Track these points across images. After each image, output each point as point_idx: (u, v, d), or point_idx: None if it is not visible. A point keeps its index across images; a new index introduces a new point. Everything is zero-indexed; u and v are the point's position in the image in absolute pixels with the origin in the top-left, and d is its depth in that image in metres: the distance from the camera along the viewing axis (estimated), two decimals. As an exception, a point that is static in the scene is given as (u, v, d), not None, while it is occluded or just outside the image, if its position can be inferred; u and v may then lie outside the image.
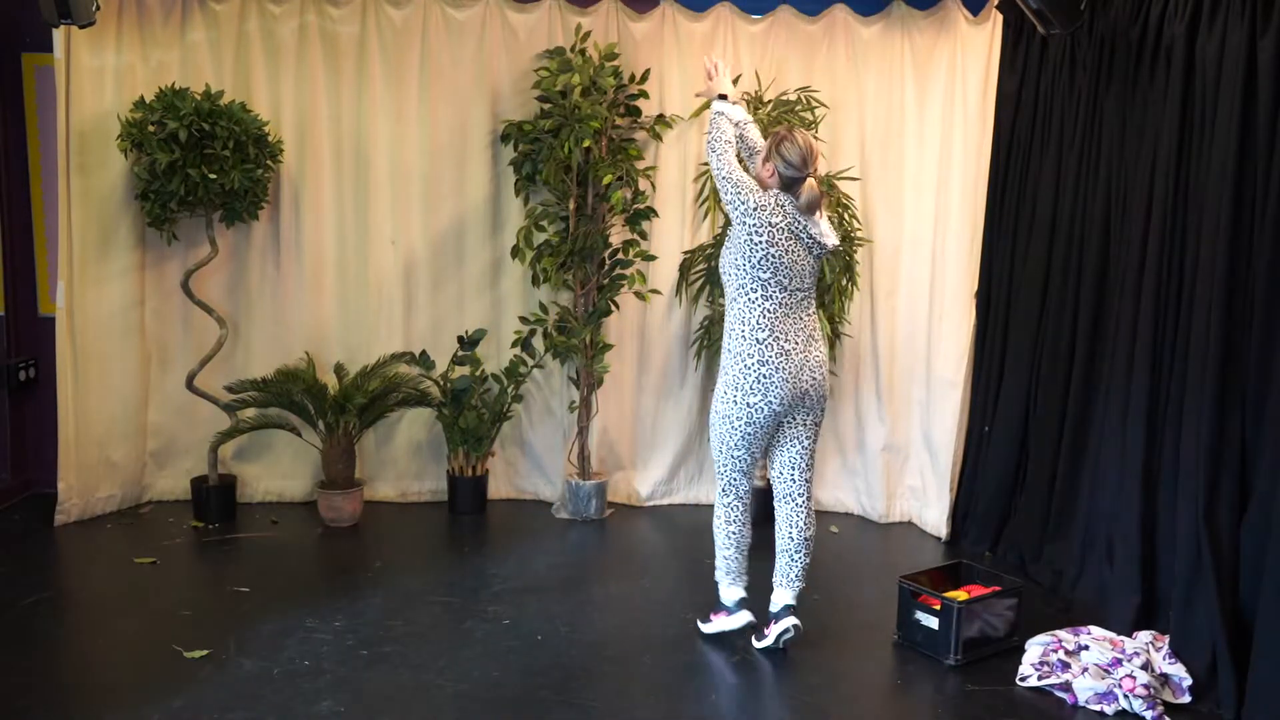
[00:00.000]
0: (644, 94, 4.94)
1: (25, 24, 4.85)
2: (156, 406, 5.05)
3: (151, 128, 4.46)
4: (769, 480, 3.75)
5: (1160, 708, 3.25)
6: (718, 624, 3.75)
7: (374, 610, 3.89)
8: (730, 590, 3.72)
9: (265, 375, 4.83)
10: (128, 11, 4.74)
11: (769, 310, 3.47)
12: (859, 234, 4.92)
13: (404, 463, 5.24)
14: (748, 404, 3.49)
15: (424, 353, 5.05)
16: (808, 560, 3.67)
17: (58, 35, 4.50)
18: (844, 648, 3.72)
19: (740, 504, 3.69)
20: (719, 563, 3.74)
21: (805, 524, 3.65)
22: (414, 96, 4.98)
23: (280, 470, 5.15)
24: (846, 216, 4.86)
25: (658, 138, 5.02)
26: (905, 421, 5.11)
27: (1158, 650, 3.47)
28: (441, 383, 5.01)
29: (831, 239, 3.52)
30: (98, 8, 4.17)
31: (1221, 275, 3.43)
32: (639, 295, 5.05)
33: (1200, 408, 3.48)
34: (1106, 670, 3.38)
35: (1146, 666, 3.37)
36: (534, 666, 3.49)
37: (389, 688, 3.31)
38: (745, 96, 4.93)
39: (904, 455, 5.13)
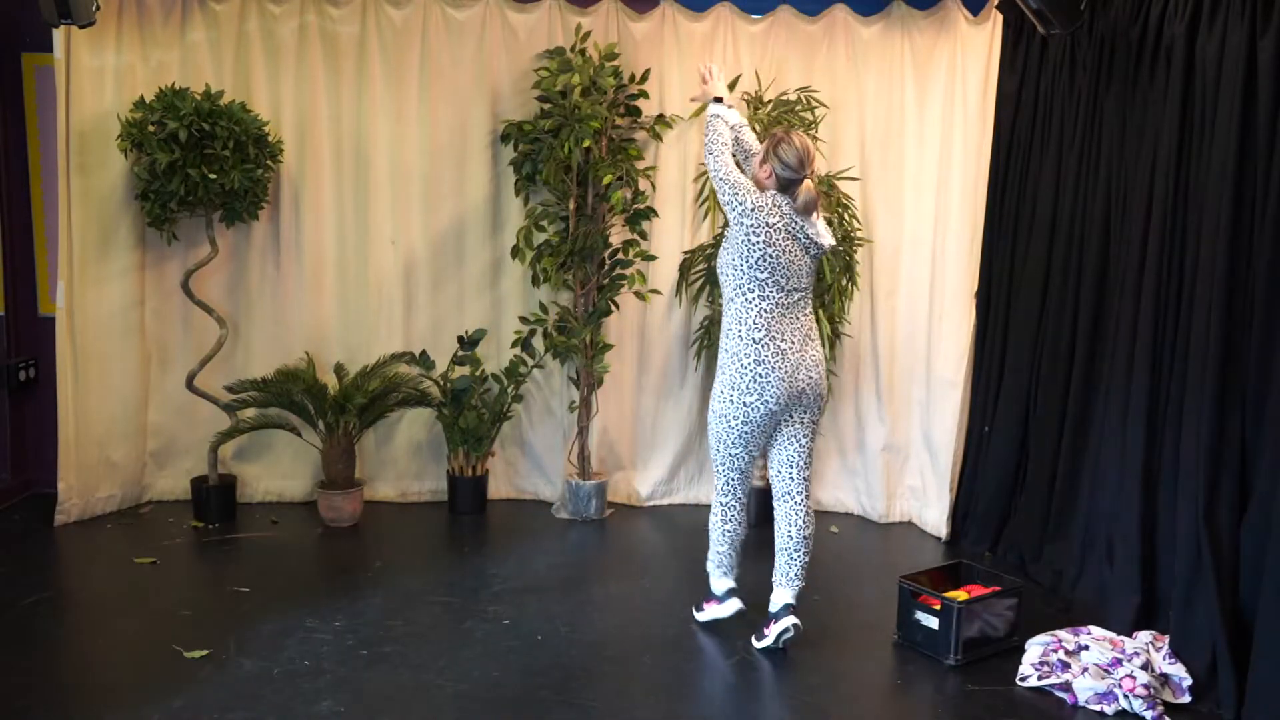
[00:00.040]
0: (644, 94, 4.94)
1: (25, 24, 4.86)
2: (156, 406, 5.05)
3: (151, 128, 4.46)
4: (769, 480, 3.76)
5: (1160, 708, 3.25)
6: (710, 612, 3.84)
7: (374, 610, 3.90)
8: (720, 581, 3.82)
9: (265, 375, 4.83)
10: (128, 11, 4.74)
11: (766, 310, 3.49)
12: (859, 234, 4.93)
13: (404, 463, 5.24)
14: (744, 403, 3.51)
15: (424, 353, 5.05)
16: (807, 559, 3.68)
17: (58, 35, 4.50)
18: (844, 648, 3.72)
19: (737, 503, 3.74)
20: (712, 555, 3.83)
21: (804, 522, 3.66)
22: (414, 96, 4.98)
23: (280, 470, 5.15)
24: (846, 216, 4.86)
25: (658, 138, 5.02)
26: (905, 421, 5.11)
27: (1158, 650, 3.47)
28: (441, 383, 5.02)
29: (828, 239, 3.56)
30: (98, 8, 4.17)
31: (1221, 275, 3.43)
32: (639, 295, 5.05)
33: (1200, 408, 3.48)
34: (1106, 670, 3.38)
35: (1146, 666, 3.37)
36: (534, 666, 3.49)
37: (389, 688, 3.31)
38: (745, 96, 4.93)
39: (904, 455, 5.13)
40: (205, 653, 3.50)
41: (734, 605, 3.77)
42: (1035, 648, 3.57)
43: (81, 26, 4.20)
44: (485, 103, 5.02)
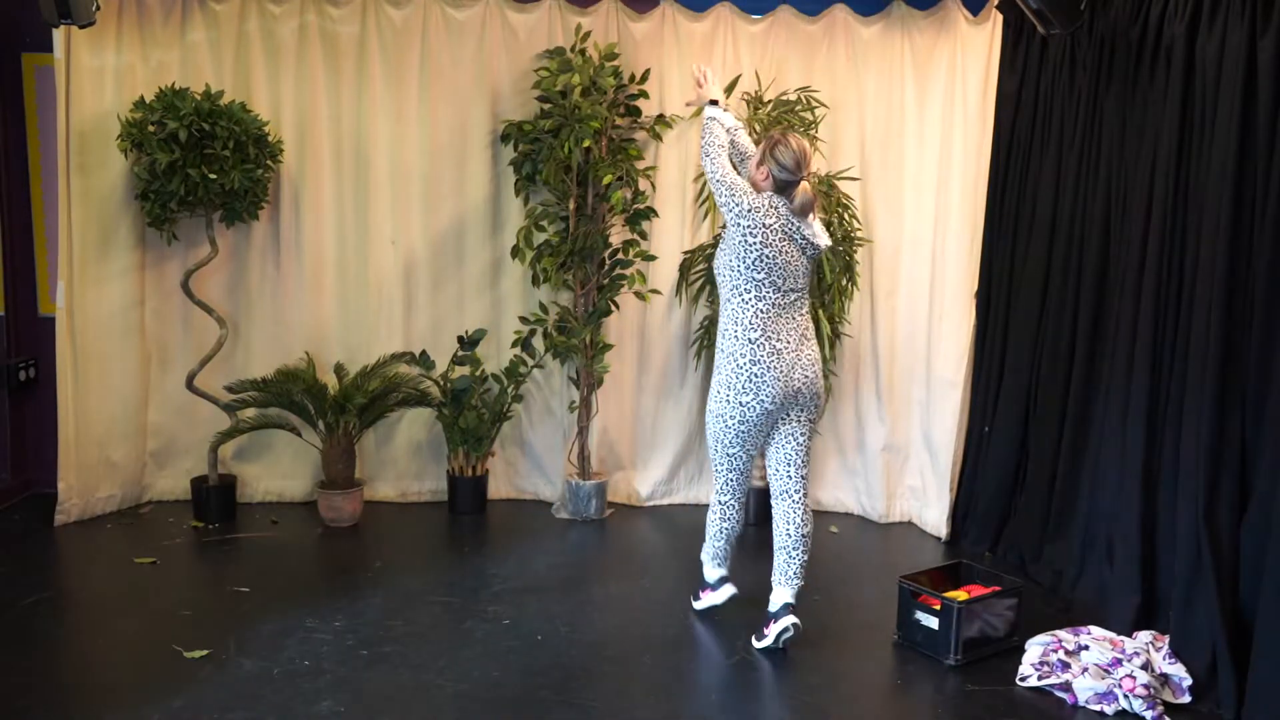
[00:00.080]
0: (644, 94, 4.94)
1: (25, 24, 4.86)
2: (156, 406, 5.05)
3: (151, 128, 4.46)
4: (767, 480, 3.78)
5: (1160, 708, 3.25)
6: (706, 600, 3.94)
7: (374, 610, 3.90)
8: (713, 570, 3.94)
9: (265, 375, 4.83)
10: (128, 11, 4.74)
11: (762, 311, 3.52)
12: (859, 234, 4.92)
13: (404, 463, 5.24)
14: (740, 403, 3.54)
15: (424, 353, 5.05)
16: (806, 557, 3.69)
17: (58, 35, 4.50)
18: (844, 648, 3.72)
19: (736, 502, 3.80)
20: (707, 548, 3.92)
21: (802, 520, 3.68)
22: (414, 96, 4.98)
23: (280, 470, 5.15)
24: (846, 216, 4.86)
25: (658, 138, 5.02)
26: (905, 421, 5.11)
27: (1158, 650, 3.47)
28: (441, 383, 5.02)
29: (824, 239, 3.59)
30: (98, 8, 4.17)
31: (1221, 275, 3.43)
32: (639, 295, 5.05)
33: (1200, 408, 3.48)
34: (1106, 670, 3.38)
35: (1146, 666, 3.37)
36: (534, 666, 3.49)
37: (389, 688, 3.31)
38: (745, 97, 4.93)
39: (904, 455, 5.14)
40: (205, 653, 3.50)
41: (728, 591, 3.89)
42: (1035, 648, 3.57)
43: (81, 26, 4.20)
44: (485, 103, 5.02)
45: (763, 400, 3.53)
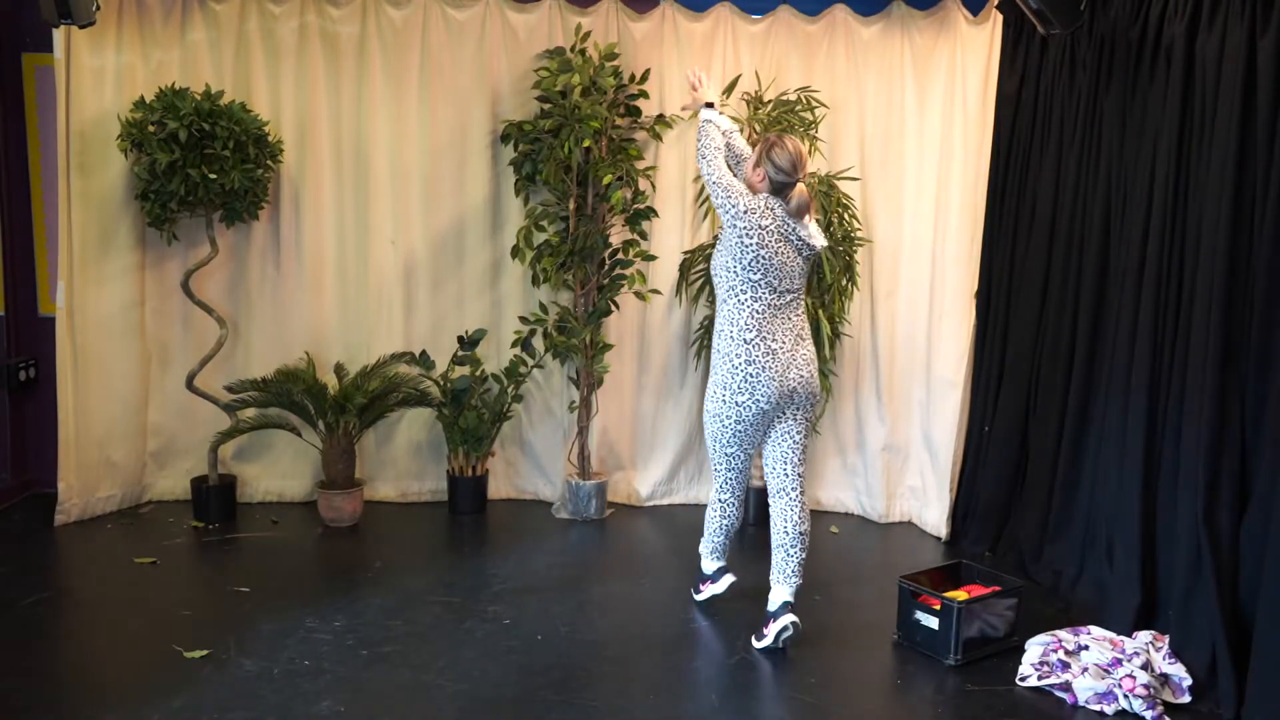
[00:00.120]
0: (644, 94, 4.94)
1: (25, 24, 4.86)
2: (156, 406, 5.05)
3: (151, 128, 4.46)
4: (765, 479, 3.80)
5: (1160, 708, 3.25)
6: (707, 591, 4.01)
7: (374, 610, 3.90)
8: (711, 563, 4.01)
9: (265, 375, 4.83)
10: (128, 11, 4.74)
11: (758, 311, 3.55)
12: (859, 234, 4.93)
13: (404, 463, 5.24)
14: (736, 403, 3.57)
15: (424, 353, 5.05)
16: (804, 555, 3.70)
17: (58, 35, 4.50)
18: (844, 648, 3.72)
19: (735, 499, 3.86)
20: (706, 542, 4.00)
21: (799, 518, 3.69)
22: (414, 96, 4.98)
23: (280, 470, 5.15)
24: (846, 216, 4.86)
25: (658, 138, 5.02)
26: (905, 421, 5.11)
27: (1158, 650, 3.47)
28: (441, 383, 5.02)
29: (820, 240, 3.62)
30: (98, 8, 4.17)
31: (1221, 275, 3.43)
32: (639, 295, 5.05)
33: (1200, 407, 3.48)
34: (1106, 670, 3.38)
35: (1146, 666, 3.37)
36: (534, 666, 3.49)
37: (389, 688, 3.32)
38: (745, 97, 4.93)
39: (904, 455, 5.14)
40: (205, 653, 3.50)
41: (727, 580, 3.94)
42: (1035, 648, 3.57)
43: (81, 26, 4.21)
44: (485, 103, 5.02)
45: (758, 400, 3.55)
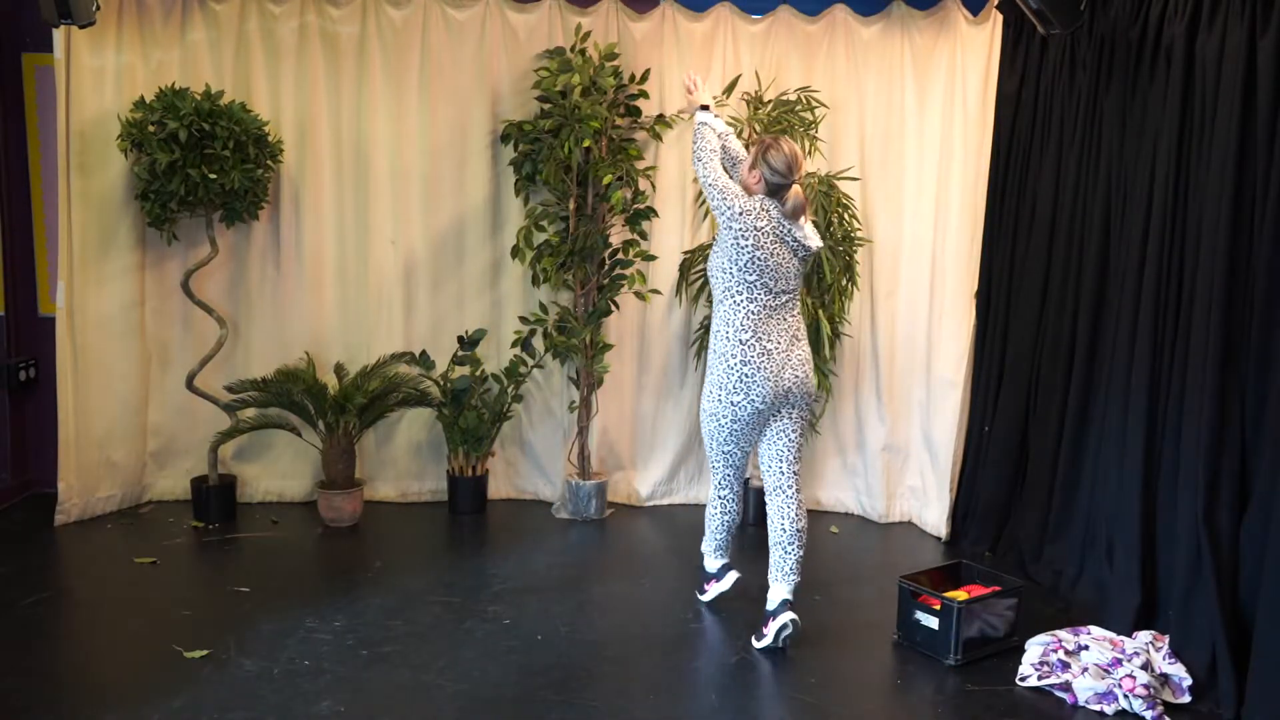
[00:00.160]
0: (644, 94, 4.94)
1: (25, 24, 4.86)
2: (156, 406, 5.05)
3: (151, 128, 4.46)
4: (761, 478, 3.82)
5: (1160, 708, 3.25)
6: (713, 589, 4.03)
7: (374, 610, 3.90)
8: (714, 560, 4.04)
9: (265, 375, 4.83)
10: (128, 11, 4.74)
11: (753, 312, 3.57)
12: (859, 234, 4.92)
13: (404, 463, 5.24)
14: (731, 402, 3.60)
15: (424, 353, 5.05)
16: (801, 553, 3.71)
17: (58, 35, 4.50)
18: (844, 648, 3.72)
19: (734, 496, 3.91)
20: (708, 541, 4.02)
21: (796, 516, 3.70)
22: (414, 96, 4.98)
23: (280, 470, 5.15)
24: (846, 216, 4.86)
25: (658, 138, 5.02)
26: (905, 421, 5.11)
27: (1158, 650, 3.47)
28: (441, 383, 5.02)
29: (815, 241, 3.64)
30: (98, 8, 4.17)
31: (1221, 275, 3.43)
32: (639, 295, 5.05)
33: (1200, 407, 3.48)
34: (1106, 670, 3.38)
35: (1146, 666, 3.37)
36: (534, 666, 3.49)
37: (389, 688, 3.31)
38: (745, 97, 4.93)
39: (904, 455, 5.14)
40: (205, 653, 3.50)
41: (732, 577, 3.96)
42: (1035, 648, 3.57)
43: (81, 26, 4.21)
44: (485, 103, 5.02)
45: (753, 400, 3.58)
